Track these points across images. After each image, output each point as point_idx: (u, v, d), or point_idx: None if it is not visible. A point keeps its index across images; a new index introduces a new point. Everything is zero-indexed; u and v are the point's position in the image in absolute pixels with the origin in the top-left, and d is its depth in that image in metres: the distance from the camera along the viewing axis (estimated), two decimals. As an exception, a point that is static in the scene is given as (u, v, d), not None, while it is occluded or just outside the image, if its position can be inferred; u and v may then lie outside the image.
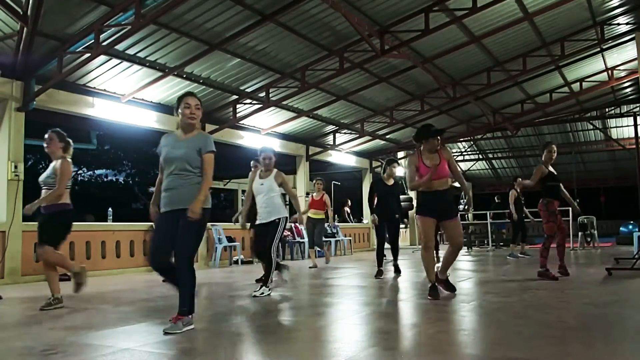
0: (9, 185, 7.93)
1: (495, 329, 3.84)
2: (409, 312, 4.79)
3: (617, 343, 3.33)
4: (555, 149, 6.93)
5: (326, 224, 10.83)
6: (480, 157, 24.95)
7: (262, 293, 5.64)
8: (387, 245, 7.82)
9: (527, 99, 16.21)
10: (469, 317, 4.44)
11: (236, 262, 11.21)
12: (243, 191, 18.54)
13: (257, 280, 6.59)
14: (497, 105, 16.40)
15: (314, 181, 10.52)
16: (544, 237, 6.80)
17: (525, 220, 11.34)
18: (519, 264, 9.40)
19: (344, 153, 16.37)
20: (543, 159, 6.87)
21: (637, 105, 18.73)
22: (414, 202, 9.72)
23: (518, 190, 10.97)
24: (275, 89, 11.27)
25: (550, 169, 6.88)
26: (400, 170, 19.89)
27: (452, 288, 5.53)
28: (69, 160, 5.19)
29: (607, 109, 19.41)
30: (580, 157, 24.19)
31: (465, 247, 13.62)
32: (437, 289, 5.26)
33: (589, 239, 13.92)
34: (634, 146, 18.34)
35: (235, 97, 11.29)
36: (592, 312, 4.32)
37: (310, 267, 9.57)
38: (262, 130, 13.17)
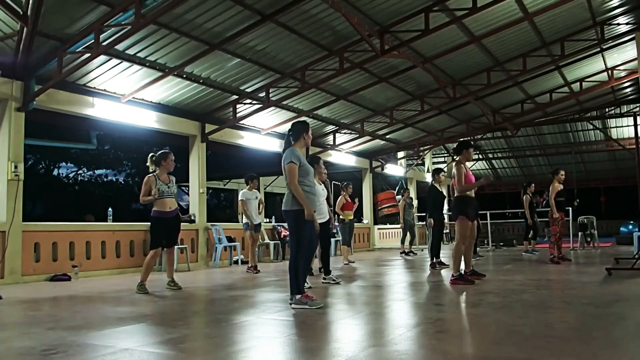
0: (9, 185, 7.92)
1: (495, 329, 3.84)
2: (408, 312, 4.79)
3: (617, 343, 3.33)
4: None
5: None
6: (480, 157, 24.94)
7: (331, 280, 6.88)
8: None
9: (527, 99, 16.18)
10: (469, 317, 4.44)
11: (236, 262, 11.21)
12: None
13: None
14: (497, 105, 16.39)
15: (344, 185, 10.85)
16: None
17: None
18: (520, 263, 9.40)
19: (344, 153, 16.36)
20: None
21: (637, 105, 18.73)
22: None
23: (530, 194, 11.71)
24: (275, 89, 11.26)
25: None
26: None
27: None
28: (149, 175, 6.53)
29: (607, 109, 19.41)
30: (580, 157, 24.20)
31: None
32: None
33: (589, 239, 13.91)
34: (634, 146, 18.36)
35: (235, 97, 11.28)
36: (592, 312, 4.32)
37: (346, 264, 10.10)
38: (262, 130, 13.15)
